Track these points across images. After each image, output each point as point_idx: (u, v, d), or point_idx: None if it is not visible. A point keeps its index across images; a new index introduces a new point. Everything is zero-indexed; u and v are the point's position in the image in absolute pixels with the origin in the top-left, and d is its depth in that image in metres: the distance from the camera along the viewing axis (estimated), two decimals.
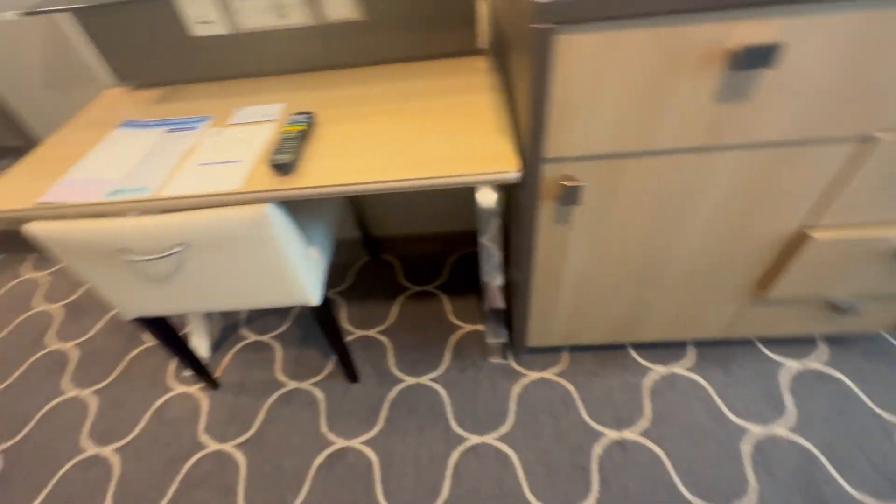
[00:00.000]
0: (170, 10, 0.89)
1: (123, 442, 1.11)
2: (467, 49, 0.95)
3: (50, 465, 1.08)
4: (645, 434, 1.00)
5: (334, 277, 1.45)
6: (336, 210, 1.06)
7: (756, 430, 0.99)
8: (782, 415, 1.00)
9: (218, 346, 1.30)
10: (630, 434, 1.00)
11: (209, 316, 1.32)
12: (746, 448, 0.96)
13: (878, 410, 0.99)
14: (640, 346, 1.16)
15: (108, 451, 1.10)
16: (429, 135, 0.75)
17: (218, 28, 0.91)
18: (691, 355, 1.13)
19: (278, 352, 1.26)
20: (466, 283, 1.38)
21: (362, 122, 0.81)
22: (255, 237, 0.73)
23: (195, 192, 0.70)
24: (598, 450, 0.99)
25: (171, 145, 0.82)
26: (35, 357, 1.33)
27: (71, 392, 1.23)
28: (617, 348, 1.16)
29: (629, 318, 1.00)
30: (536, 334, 1.06)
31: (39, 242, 0.74)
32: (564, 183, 0.68)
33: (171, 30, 0.93)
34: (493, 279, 0.91)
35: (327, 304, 0.96)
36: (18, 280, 1.59)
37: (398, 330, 1.28)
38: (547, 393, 1.09)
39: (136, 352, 1.31)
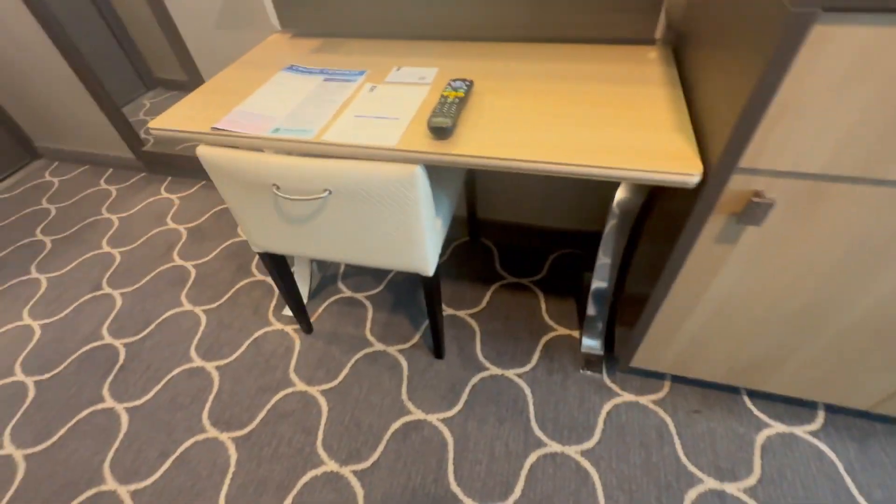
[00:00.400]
0: None
1: (224, 362, 1.20)
2: (640, 37, 0.87)
3: (163, 366, 1.21)
4: (750, 492, 0.89)
5: None
6: (460, 185, 1.05)
7: None
8: None
9: (314, 294, 1.36)
10: (732, 488, 0.90)
11: (313, 264, 1.38)
12: None
13: None
14: (758, 395, 1.04)
15: (210, 367, 1.20)
16: (595, 122, 0.70)
17: None
18: (819, 419, 0.99)
19: (370, 311, 1.29)
20: (565, 285, 1.31)
21: (522, 98, 0.77)
22: (400, 196, 0.73)
23: (354, 142, 0.71)
24: (692, 494, 0.90)
25: (330, 94, 0.84)
26: (163, 268, 1.48)
27: (187, 306, 1.35)
28: (729, 390, 1.05)
29: (761, 363, 0.89)
30: (644, 355, 0.98)
31: (205, 163, 0.80)
32: (753, 199, 0.59)
33: None
34: (603, 286, 0.85)
35: (437, 276, 0.95)
36: (157, 198, 1.78)
37: (488, 316, 1.25)
38: (640, 419, 1.01)
39: (243, 282, 1.41)
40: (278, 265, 1.06)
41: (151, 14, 1.29)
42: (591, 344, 1.13)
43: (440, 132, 0.69)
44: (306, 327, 1.24)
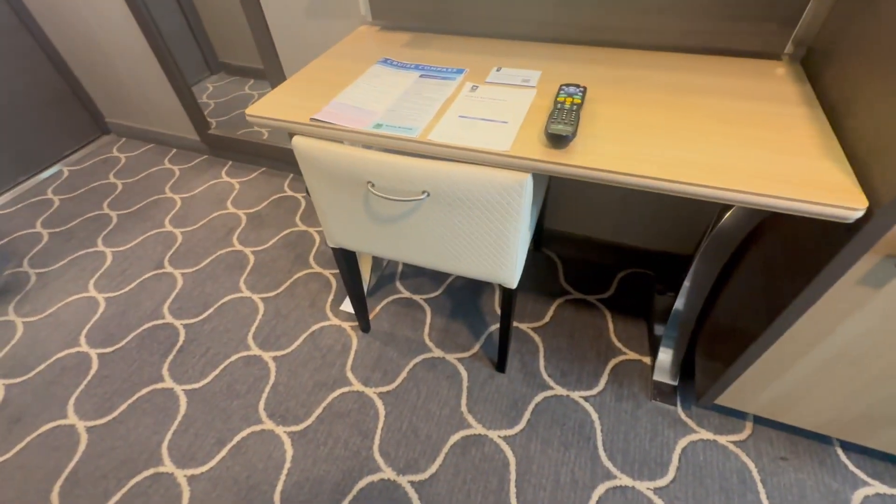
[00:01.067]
0: None
1: (281, 353, 1.19)
2: (767, 50, 0.80)
3: (221, 351, 1.20)
4: None
5: None
6: (543, 194, 1.00)
7: None
8: None
9: (371, 292, 1.33)
10: None
11: (376, 261, 1.36)
12: None
13: None
14: (853, 448, 0.95)
15: (267, 357, 1.19)
16: (732, 141, 0.64)
17: None
18: None
19: (428, 315, 1.26)
20: (635, 306, 1.25)
21: (641, 110, 0.71)
22: (504, 205, 0.68)
23: (462, 144, 0.67)
24: None
25: (430, 91, 0.80)
26: (222, 252, 1.49)
27: (245, 292, 1.35)
28: (819, 439, 0.96)
29: (872, 417, 0.81)
30: (734, 394, 0.90)
31: (300, 155, 0.77)
32: None
33: None
34: (686, 312, 0.78)
35: (517, 288, 0.90)
36: (218, 180, 1.80)
37: (552, 332, 1.20)
38: (720, 460, 0.94)
39: (301, 273, 1.40)
40: (349, 262, 1.03)
41: None
42: (665, 373, 1.06)
43: (559, 140, 0.64)
44: (364, 325, 1.22)
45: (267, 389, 1.12)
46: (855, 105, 0.63)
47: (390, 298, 1.31)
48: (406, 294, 1.32)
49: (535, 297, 1.29)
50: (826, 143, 0.62)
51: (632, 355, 1.14)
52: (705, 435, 0.98)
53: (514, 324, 1.22)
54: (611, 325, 1.20)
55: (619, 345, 1.16)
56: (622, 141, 0.66)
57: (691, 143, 0.64)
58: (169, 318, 1.29)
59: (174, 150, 2.00)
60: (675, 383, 1.06)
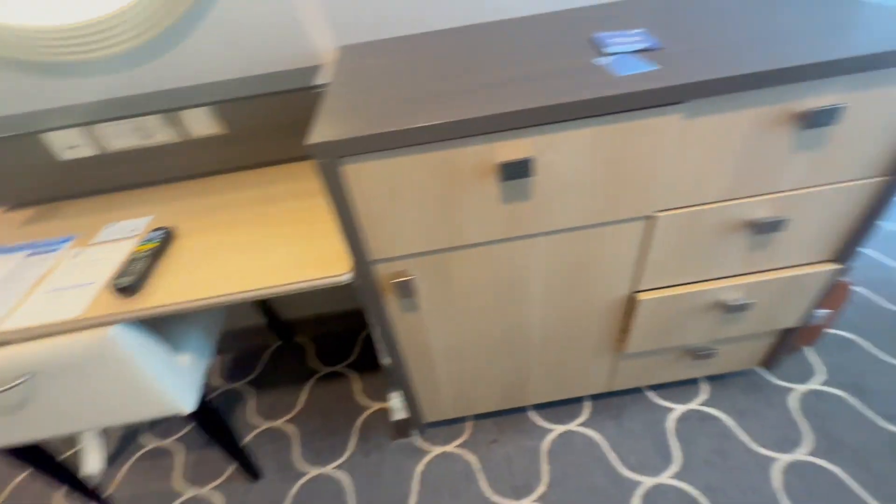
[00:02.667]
0: (37, 140, 0.94)
1: None
2: (303, 154, 1.03)
3: None
4: (541, 500, 1.01)
5: (244, 367, 1.43)
6: (215, 311, 1.08)
7: (646, 481, 1.02)
8: (669, 462, 1.04)
9: (115, 457, 1.23)
10: (527, 502, 1.01)
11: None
12: (637, 502, 0.98)
13: (753, 446, 1.04)
14: (540, 407, 1.19)
15: None
16: (275, 241, 0.80)
17: (85, 151, 0.96)
18: (587, 410, 1.17)
19: (179, 456, 1.21)
20: (376, 360, 1.39)
21: (219, 232, 0.85)
22: (102, 359, 0.73)
23: (34, 324, 0.71)
24: None
25: (27, 271, 0.83)
26: None
27: None
28: (518, 411, 1.19)
29: (513, 384, 1.04)
30: (430, 410, 1.08)
31: None
32: (398, 279, 0.73)
33: (39, 156, 0.96)
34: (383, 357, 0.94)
35: (208, 407, 0.95)
36: None
37: (306, 416, 1.26)
38: (449, 467, 1.09)
39: (21, 477, 1.22)
40: (32, 454, 0.95)
41: None
42: (399, 410, 1.20)
43: (126, 290, 0.73)
44: None
45: None
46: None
47: (135, 457, 1.22)
48: (152, 444, 1.25)
49: (287, 389, 1.34)
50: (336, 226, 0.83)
51: (376, 406, 1.26)
52: (437, 450, 1.13)
53: (270, 424, 1.25)
54: (357, 386, 1.32)
55: (365, 401, 1.28)
56: (195, 268, 0.77)
57: (248, 253, 0.78)
58: None
59: None
60: (409, 416, 1.20)
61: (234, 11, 0.86)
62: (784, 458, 1.02)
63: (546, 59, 0.69)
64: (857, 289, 1.36)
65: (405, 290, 0.75)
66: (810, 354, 1.21)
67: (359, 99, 0.66)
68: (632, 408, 1.16)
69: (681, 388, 1.19)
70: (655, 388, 1.19)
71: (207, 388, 1.37)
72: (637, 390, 1.20)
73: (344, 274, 0.72)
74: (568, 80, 0.62)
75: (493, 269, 0.77)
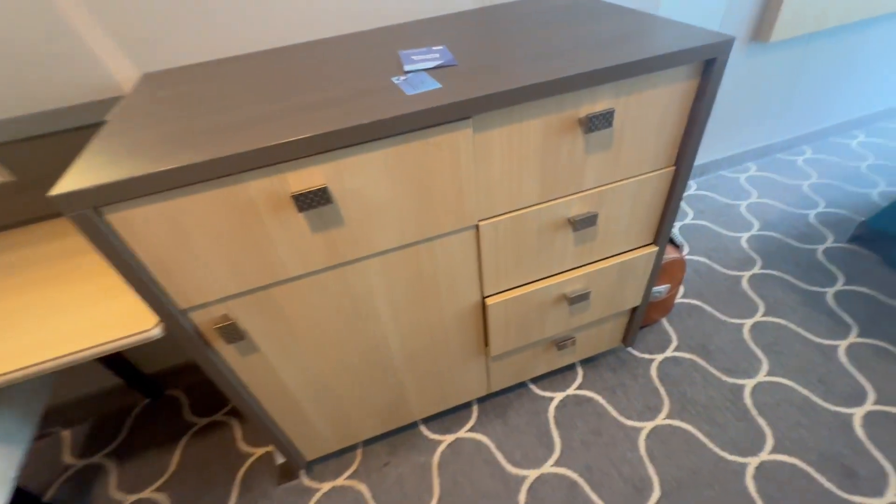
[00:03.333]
0: None
1: None
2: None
3: None
4: None
5: (104, 436, 1.26)
6: (27, 386, 0.93)
7: (531, 474, 1.05)
8: (551, 451, 1.09)
9: None
10: None
11: None
12: (522, 498, 1.01)
13: (622, 420, 1.13)
14: (430, 419, 1.19)
15: None
16: (77, 300, 0.70)
17: None
18: (475, 414, 1.19)
19: None
20: None
21: (9, 297, 0.73)
22: None
23: None
24: None
25: None
26: None
27: None
28: (409, 427, 1.18)
29: (393, 404, 1.02)
30: (309, 447, 1.02)
31: None
32: (218, 326, 0.67)
33: None
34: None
35: (26, 498, 0.81)
36: None
37: (180, 478, 1.14)
38: (341, 499, 1.05)
39: None
40: None
41: None
42: (280, 454, 1.13)
43: None
44: None
45: None
46: None
47: None
48: None
49: (156, 452, 1.20)
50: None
51: (260, 451, 1.17)
52: (326, 486, 1.08)
53: (138, 496, 1.11)
54: (238, 433, 1.22)
55: (247, 448, 1.18)
56: None
57: (53, 317, 0.68)
58: None
59: None
60: (286, 459, 1.13)
61: (8, 44, 0.75)
62: (648, 426, 1.11)
63: (348, 80, 0.68)
64: (699, 258, 1.53)
65: (232, 334, 0.69)
66: (666, 325, 1.34)
67: (136, 135, 0.60)
68: (516, 403, 1.20)
69: (560, 375, 1.25)
70: (536, 380, 1.25)
71: (52, 472, 1.18)
72: (521, 385, 1.24)
73: (152, 328, 0.65)
74: (360, 103, 0.61)
75: (330, 298, 0.74)
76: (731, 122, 1.77)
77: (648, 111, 0.71)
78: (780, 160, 1.95)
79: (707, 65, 0.68)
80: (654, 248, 0.93)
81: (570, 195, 0.77)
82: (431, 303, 0.83)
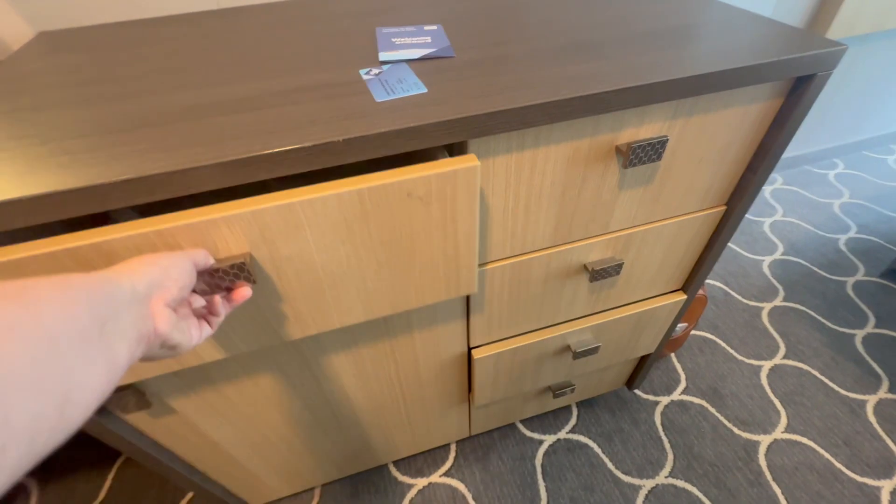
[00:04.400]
0: None
1: None
2: None
3: None
4: None
5: None
6: None
7: None
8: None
9: None
10: None
11: None
12: None
13: (618, 474, 0.99)
14: (401, 461, 1.04)
15: None
16: None
17: None
18: (452, 455, 1.04)
19: None
20: None
21: None
22: None
23: None
24: None
25: None
26: None
27: None
28: (375, 469, 1.03)
29: (353, 452, 0.87)
30: (253, 495, 0.87)
31: None
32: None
33: None
34: None
35: None
36: None
37: None
38: None
39: None
40: None
41: None
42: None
43: None
44: None
45: None
46: None
47: None
48: None
49: (84, 476, 1.04)
50: None
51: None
52: None
53: None
54: None
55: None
56: None
57: None
58: None
59: None
60: None
61: None
62: (648, 484, 0.97)
63: (295, 66, 0.48)
64: (716, 283, 1.37)
65: (138, 403, 0.52)
66: (675, 361, 1.19)
67: None
68: (500, 445, 1.05)
69: (551, 415, 1.10)
70: (526, 420, 1.10)
71: None
72: (508, 424, 1.09)
73: None
74: (300, 108, 0.41)
75: (271, 372, 0.56)
76: None
77: (709, 138, 0.52)
78: (810, 173, 1.77)
79: (800, 80, 0.49)
80: (682, 297, 0.76)
81: (590, 238, 0.59)
82: (404, 356, 0.66)
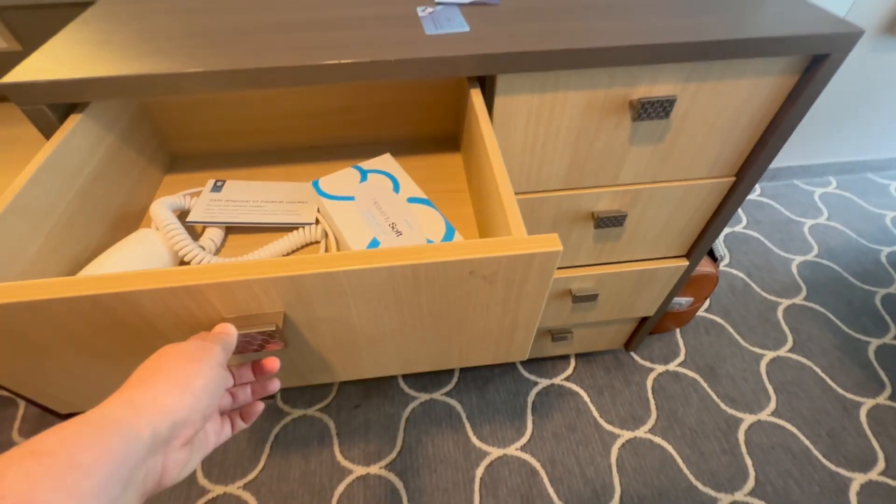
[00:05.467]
0: None
1: None
2: None
3: None
4: (389, 467, 1.02)
5: None
6: None
7: (494, 451, 1.04)
8: (521, 434, 1.07)
9: None
10: (376, 468, 1.02)
11: None
12: (479, 472, 1.01)
13: (602, 422, 1.08)
14: (410, 376, 1.18)
15: None
16: None
17: None
18: (455, 379, 1.17)
19: None
20: None
21: None
22: None
23: None
24: (340, 488, 0.99)
25: None
26: None
27: None
28: (386, 379, 1.18)
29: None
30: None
31: None
32: None
33: None
34: None
35: None
36: None
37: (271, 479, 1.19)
38: (305, 431, 1.08)
39: None
40: None
41: None
42: None
43: None
44: None
45: None
46: None
47: None
48: None
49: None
50: None
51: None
52: (297, 413, 1.11)
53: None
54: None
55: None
56: None
57: None
58: None
59: None
60: None
61: None
62: (626, 435, 1.06)
63: (372, 1, 0.57)
64: (738, 273, 1.39)
65: None
66: (679, 336, 1.24)
67: (116, 24, 0.53)
68: (499, 380, 1.17)
69: (550, 362, 1.20)
70: (526, 361, 1.20)
71: None
72: (510, 363, 1.20)
73: None
74: (349, 35, 0.51)
75: None
76: (823, 125, 1.52)
77: (720, 106, 0.57)
78: (870, 181, 1.69)
79: (815, 60, 0.53)
80: (684, 263, 0.82)
81: (600, 187, 0.67)
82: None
